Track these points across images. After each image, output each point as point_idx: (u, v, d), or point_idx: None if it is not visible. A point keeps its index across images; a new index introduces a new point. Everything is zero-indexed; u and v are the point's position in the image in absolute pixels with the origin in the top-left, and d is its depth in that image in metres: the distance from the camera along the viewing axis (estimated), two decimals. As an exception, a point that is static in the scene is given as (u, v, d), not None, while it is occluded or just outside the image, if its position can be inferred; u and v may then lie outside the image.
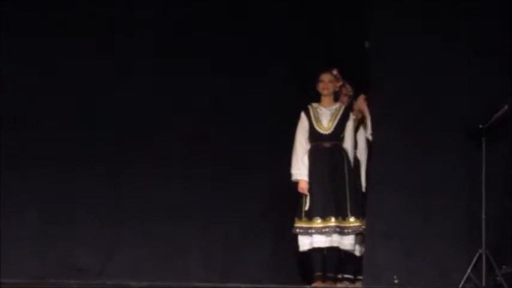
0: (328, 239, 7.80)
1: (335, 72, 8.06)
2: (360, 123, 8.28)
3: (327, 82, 8.03)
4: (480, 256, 7.07)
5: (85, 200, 8.22)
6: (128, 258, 8.15)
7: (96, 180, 8.30)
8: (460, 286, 7.03)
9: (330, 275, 7.86)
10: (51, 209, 8.15)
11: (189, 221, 8.36)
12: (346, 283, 8.04)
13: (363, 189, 8.10)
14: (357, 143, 8.21)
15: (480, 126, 7.25)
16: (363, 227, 7.85)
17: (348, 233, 7.83)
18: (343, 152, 7.98)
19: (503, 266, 7.12)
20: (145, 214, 8.28)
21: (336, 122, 7.99)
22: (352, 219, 7.84)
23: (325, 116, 8.02)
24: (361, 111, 8.26)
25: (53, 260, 7.97)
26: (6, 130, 8.06)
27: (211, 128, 8.52)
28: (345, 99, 8.26)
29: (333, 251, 7.84)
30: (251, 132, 8.57)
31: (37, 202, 8.12)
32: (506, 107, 7.23)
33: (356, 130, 8.23)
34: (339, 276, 8.02)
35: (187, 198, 8.40)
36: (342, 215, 7.83)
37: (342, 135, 7.99)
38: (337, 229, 7.78)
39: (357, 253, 7.98)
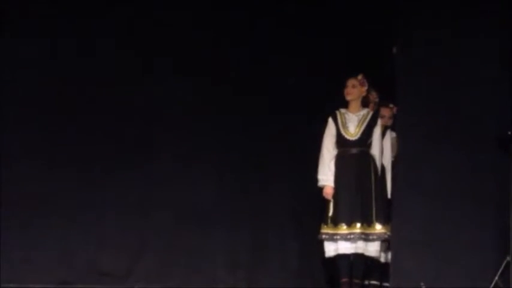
0: (354, 245, 7.56)
1: (360, 77, 7.76)
2: (386, 129, 8.09)
3: (350, 87, 7.76)
4: (508, 264, 6.86)
5: (111, 204, 8.09)
6: (154, 262, 8.08)
7: (123, 184, 8.13)
8: None
9: (356, 281, 7.61)
10: (76, 213, 8.02)
11: (216, 226, 8.25)
12: None
13: (389, 196, 7.88)
14: (384, 150, 7.92)
15: (509, 132, 7.01)
16: (388, 233, 7.53)
17: (373, 240, 7.59)
18: (370, 158, 7.69)
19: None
20: (172, 219, 8.15)
21: (363, 128, 7.68)
22: (377, 226, 7.58)
23: (352, 122, 7.74)
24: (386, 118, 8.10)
25: (79, 265, 7.89)
26: (24, 131, 7.92)
27: (240, 137, 8.37)
28: (372, 105, 7.95)
29: (359, 258, 7.54)
30: (277, 138, 8.43)
31: (62, 207, 7.98)
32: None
33: (383, 136, 7.96)
34: (366, 282, 7.85)
35: (214, 204, 8.27)
36: (367, 222, 7.56)
37: (369, 141, 7.68)
38: (363, 236, 7.53)
39: (382, 259, 7.84)
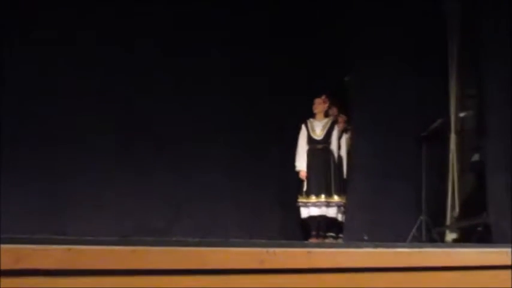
0: (320, 209, 8.23)
1: (323, 97, 8.43)
2: (343, 132, 8.58)
3: (317, 104, 8.44)
4: (421, 221, 7.33)
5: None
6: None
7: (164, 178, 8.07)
8: (408, 240, 7.16)
9: (321, 233, 8.23)
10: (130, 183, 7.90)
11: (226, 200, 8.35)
12: (331, 239, 8.25)
13: (345, 177, 8.39)
14: (341, 146, 8.50)
15: (422, 133, 7.50)
16: (343, 201, 8.19)
17: (333, 206, 8.24)
18: (330, 152, 8.38)
19: (437, 227, 7.41)
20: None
21: (325, 131, 8.39)
22: (335, 196, 8.25)
23: (318, 127, 8.41)
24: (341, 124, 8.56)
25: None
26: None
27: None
28: (332, 117, 8.53)
29: (323, 218, 8.24)
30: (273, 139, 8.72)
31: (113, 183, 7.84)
32: (440, 120, 7.43)
33: (340, 137, 8.52)
34: (327, 234, 8.33)
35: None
36: (329, 194, 8.24)
37: (329, 140, 8.38)
38: (325, 203, 8.21)
39: (339, 219, 8.32)
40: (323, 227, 8.30)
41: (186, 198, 8.13)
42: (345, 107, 8.47)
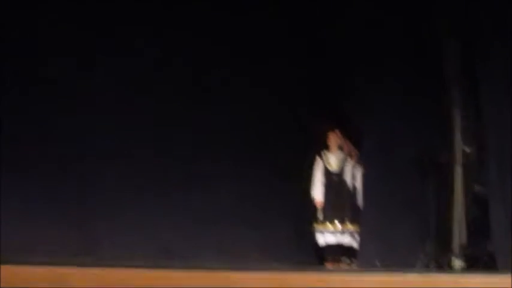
0: (335, 237, 8.27)
1: (337, 131, 8.48)
2: (356, 163, 8.48)
3: (331, 138, 8.50)
4: (429, 249, 7.40)
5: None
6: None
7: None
8: (416, 267, 7.24)
9: (336, 259, 8.24)
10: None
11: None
12: (346, 265, 8.26)
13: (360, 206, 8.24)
14: (356, 177, 8.44)
15: (429, 163, 7.58)
16: (358, 229, 8.19)
17: (346, 233, 8.26)
18: (345, 182, 8.40)
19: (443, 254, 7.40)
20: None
21: (339, 163, 8.45)
22: (349, 224, 8.26)
23: (333, 160, 8.47)
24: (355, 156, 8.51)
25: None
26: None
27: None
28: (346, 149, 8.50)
29: (338, 245, 8.27)
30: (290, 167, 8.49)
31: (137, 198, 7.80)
32: (445, 153, 7.56)
33: (355, 168, 8.47)
34: (342, 260, 8.28)
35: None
36: (343, 222, 8.27)
37: (344, 172, 8.41)
38: (340, 231, 8.25)
39: (354, 246, 8.25)
40: (338, 253, 8.30)
41: (211, 222, 8.13)
42: (357, 142, 8.52)
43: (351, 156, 8.58)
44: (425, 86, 7.71)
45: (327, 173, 8.51)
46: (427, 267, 7.28)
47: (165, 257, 7.48)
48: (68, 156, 7.67)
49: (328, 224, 8.33)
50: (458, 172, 7.60)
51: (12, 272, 5.41)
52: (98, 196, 7.70)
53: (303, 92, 8.71)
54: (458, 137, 7.65)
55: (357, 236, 8.30)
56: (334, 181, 8.46)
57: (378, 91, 7.92)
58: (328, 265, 8.22)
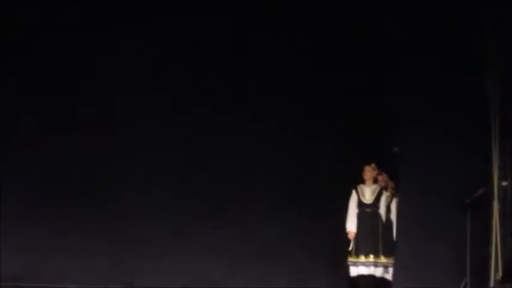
0: (368, 269, 8.27)
1: (373, 165, 8.49)
2: (393, 197, 8.55)
3: (366, 171, 8.48)
4: (466, 283, 7.39)
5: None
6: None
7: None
8: None
9: None
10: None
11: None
12: None
13: (394, 238, 8.31)
14: (391, 209, 8.48)
15: (466, 200, 7.57)
16: (391, 262, 8.20)
17: (380, 266, 8.30)
18: (379, 215, 8.44)
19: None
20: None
21: (374, 196, 8.46)
22: (382, 257, 8.28)
23: (367, 192, 8.49)
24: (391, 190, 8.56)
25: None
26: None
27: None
28: (382, 183, 8.55)
29: (371, 277, 8.27)
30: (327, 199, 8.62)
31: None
32: (482, 189, 7.56)
33: (391, 201, 8.52)
34: None
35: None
36: (376, 254, 8.27)
37: (378, 205, 8.44)
38: (374, 263, 8.25)
39: (388, 278, 8.28)
40: (371, 285, 8.31)
41: (242, 253, 8.25)
42: (394, 175, 8.51)
43: (386, 188, 8.61)
44: (465, 122, 7.82)
45: (361, 205, 8.51)
46: (464, 303, 7.23)
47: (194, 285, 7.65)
48: (101, 186, 7.88)
49: (362, 256, 8.32)
50: (496, 207, 7.62)
51: None
52: (129, 226, 7.89)
53: (342, 127, 8.85)
54: (496, 171, 7.67)
55: (390, 268, 8.32)
56: (367, 213, 8.47)
57: (417, 127, 8.02)
58: (362, 298, 8.13)
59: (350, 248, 8.37)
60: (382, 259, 8.33)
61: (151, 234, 7.85)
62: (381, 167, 8.59)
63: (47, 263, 7.35)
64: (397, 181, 8.45)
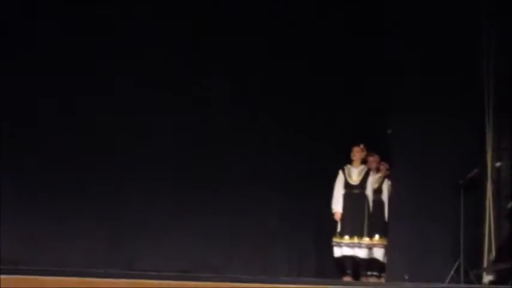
0: (352, 250, 8.21)
1: (362, 146, 8.38)
2: (384, 177, 8.52)
3: (355, 152, 8.38)
4: (459, 263, 7.45)
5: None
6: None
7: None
8: (446, 281, 7.32)
9: (349, 272, 8.22)
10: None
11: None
12: (374, 278, 8.27)
13: (386, 219, 8.28)
14: (382, 190, 8.47)
15: (460, 181, 7.64)
16: (378, 243, 8.20)
17: (363, 247, 8.22)
18: (365, 196, 8.34)
19: (474, 269, 7.51)
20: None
21: (361, 178, 8.36)
22: (367, 238, 8.22)
23: (354, 173, 8.38)
24: (384, 170, 8.50)
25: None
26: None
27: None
28: (374, 164, 8.48)
29: (353, 258, 8.20)
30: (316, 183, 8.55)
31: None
32: (476, 170, 7.63)
33: (382, 182, 8.50)
34: (368, 273, 8.27)
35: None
36: (360, 235, 8.21)
37: (365, 186, 8.33)
38: (357, 244, 8.19)
39: (381, 259, 8.25)
40: (355, 265, 8.28)
41: (241, 238, 8.22)
42: (387, 156, 8.46)
43: (378, 169, 8.57)
44: (458, 104, 7.81)
45: (348, 186, 8.41)
46: (457, 282, 7.32)
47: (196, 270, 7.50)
48: (101, 171, 7.80)
49: (346, 237, 8.26)
50: (490, 188, 7.64)
51: (42, 282, 5.37)
52: (129, 211, 7.82)
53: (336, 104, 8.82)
54: (489, 153, 7.71)
55: (376, 249, 8.32)
56: (354, 194, 8.38)
57: (411, 109, 7.97)
58: (346, 278, 8.17)
59: (338, 230, 8.30)
60: (366, 240, 8.27)
61: (151, 219, 7.78)
62: (374, 149, 8.53)
63: (47, 247, 7.29)
64: (390, 163, 8.39)
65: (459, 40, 7.82)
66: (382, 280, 8.15)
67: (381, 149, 8.54)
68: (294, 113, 8.59)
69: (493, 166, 7.68)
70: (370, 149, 8.49)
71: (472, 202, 7.71)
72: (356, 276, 8.24)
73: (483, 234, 7.59)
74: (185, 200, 7.99)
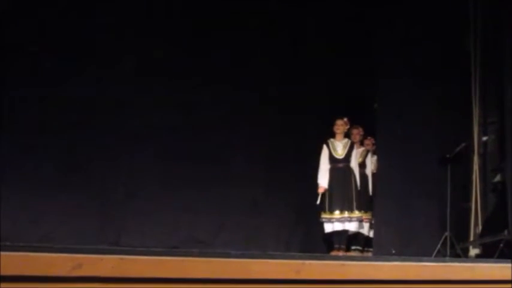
0: (343, 224, 8.10)
1: (345, 119, 8.29)
2: (367, 152, 8.55)
3: (339, 125, 8.28)
4: (446, 237, 7.38)
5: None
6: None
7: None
8: (433, 255, 7.21)
9: (342, 247, 8.14)
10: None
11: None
12: (357, 252, 8.28)
13: (370, 193, 8.36)
14: (366, 164, 8.47)
15: (447, 155, 7.60)
16: (364, 217, 8.15)
17: (353, 221, 8.12)
18: (351, 170, 8.24)
19: (460, 243, 7.51)
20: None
21: (346, 151, 8.24)
22: (356, 212, 8.12)
23: (339, 147, 8.26)
24: (370, 145, 8.52)
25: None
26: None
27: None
28: (358, 137, 8.47)
29: (344, 232, 8.13)
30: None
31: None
32: (463, 144, 7.61)
33: (366, 156, 8.50)
34: (352, 247, 8.32)
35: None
36: (350, 209, 8.10)
37: (349, 159, 8.22)
38: (348, 218, 8.09)
39: (365, 233, 8.28)
40: (344, 240, 8.21)
41: (228, 212, 8.12)
42: (373, 131, 8.44)
43: (362, 143, 8.53)
44: (444, 77, 7.72)
45: (333, 160, 8.31)
46: (443, 256, 7.25)
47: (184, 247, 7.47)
48: (89, 146, 7.72)
49: (336, 212, 8.16)
50: (476, 162, 7.65)
51: (29, 259, 5.27)
52: (116, 187, 7.80)
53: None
54: (476, 127, 7.71)
55: (365, 223, 8.29)
56: (340, 168, 8.28)
57: (396, 81, 7.89)
58: (334, 253, 8.09)
59: (318, 202, 8.21)
60: (356, 213, 8.21)
61: (138, 196, 7.73)
62: (359, 123, 8.48)
63: (34, 224, 7.22)
64: (376, 137, 8.39)
65: (445, 11, 7.77)
66: (366, 254, 8.17)
67: (367, 124, 8.50)
68: (278, 85, 8.55)
69: (479, 140, 7.71)
70: (355, 123, 8.46)
71: (459, 176, 7.72)
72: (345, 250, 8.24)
73: (470, 208, 7.63)
74: (172, 176, 7.92)
